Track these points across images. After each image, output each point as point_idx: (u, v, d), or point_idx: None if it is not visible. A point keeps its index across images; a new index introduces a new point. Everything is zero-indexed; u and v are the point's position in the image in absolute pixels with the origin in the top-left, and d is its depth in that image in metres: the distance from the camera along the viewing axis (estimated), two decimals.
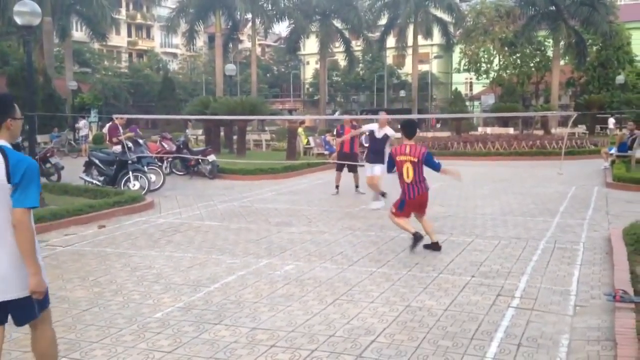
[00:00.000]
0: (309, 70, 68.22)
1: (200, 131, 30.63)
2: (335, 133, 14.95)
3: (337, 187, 13.15)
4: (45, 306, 3.43)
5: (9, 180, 3.12)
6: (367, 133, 11.68)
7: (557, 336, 4.57)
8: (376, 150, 11.13)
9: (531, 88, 50.15)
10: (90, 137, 29.77)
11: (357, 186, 13.06)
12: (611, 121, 35.52)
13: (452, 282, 6.06)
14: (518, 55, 45.77)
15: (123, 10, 63.82)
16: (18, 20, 10.98)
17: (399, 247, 7.77)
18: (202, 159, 16.86)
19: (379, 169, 10.76)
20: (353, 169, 13.03)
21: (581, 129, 34.61)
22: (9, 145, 3.25)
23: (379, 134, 11.13)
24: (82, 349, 4.37)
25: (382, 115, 11.78)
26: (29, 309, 3.30)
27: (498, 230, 8.86)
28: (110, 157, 13.56)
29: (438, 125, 44.32)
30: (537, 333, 4.63)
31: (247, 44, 59.68)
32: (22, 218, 3.14)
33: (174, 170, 17.54)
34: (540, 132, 31.09)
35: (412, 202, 7.50)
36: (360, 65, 61.05)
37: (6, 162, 3.14)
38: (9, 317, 3.34)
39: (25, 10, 10.81)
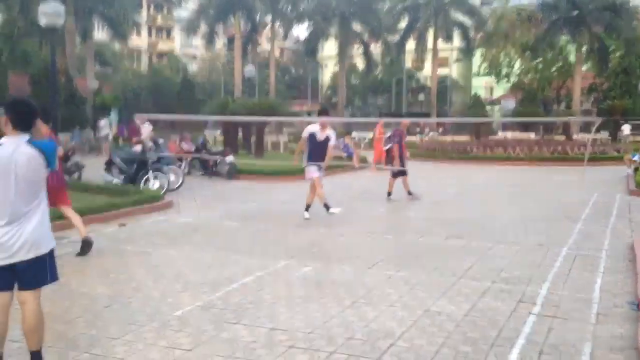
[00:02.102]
0: (327, 72, 68.25)
1: (218, 132, 30.80)
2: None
3: (409, 192, 12.65)
4: (54, 279, 3.96)
5: (48, 165, 3.83)
6: (308, 136, 10.39)
7: (579, 344, 4.51)
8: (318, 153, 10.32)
9: (552, 93, 49.69)
10: (111, 137, 30.07)
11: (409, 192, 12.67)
12: (627, 127, 35.01)
13: (472, 288, 6.01)
14: (539, 60, 45.40)
15: (144, 12, 64.38)
16: (42, 21, 11.16)
17: (418, 250, 7.73)
18: (220, 160, 16.94)
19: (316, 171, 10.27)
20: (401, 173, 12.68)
21: (604, 135, 34.21)
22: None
23: (321, 137, 10.24)
24: (103, 345, 4.40)
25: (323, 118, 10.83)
26: (47, 270, 3.86)
27: (518, 236, 8.77)
28: (131, 157, 13.69)
29: (440, 130, 43.85)
30: (559, 340, 4.57)
31: (265, 46, 59.91)
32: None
33: (192, 170, 17.65)
34: (562, 138, 30.79)
35: None
36: (379, 68, 60.93)
37: (43, 154, 3.78)
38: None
39: (50, 11, 10.99)
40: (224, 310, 5.25)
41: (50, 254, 3.91)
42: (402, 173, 12.72)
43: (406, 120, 15.34)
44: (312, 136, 10.15)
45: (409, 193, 12.68)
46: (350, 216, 10.56)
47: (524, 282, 6.22)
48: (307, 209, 10.22)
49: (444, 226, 9.57)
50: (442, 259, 7.25)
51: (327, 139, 10.17)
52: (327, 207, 10.11)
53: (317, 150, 10.21)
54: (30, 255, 3.75)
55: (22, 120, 3.81)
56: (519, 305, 5.46)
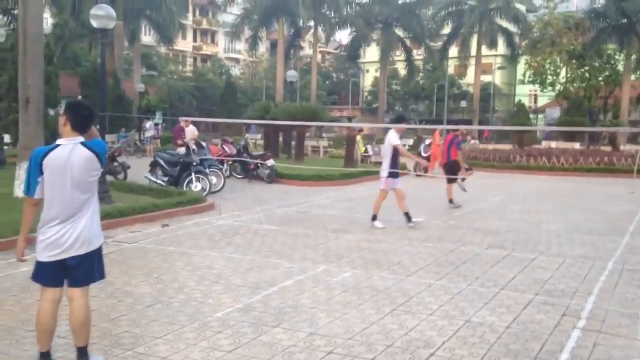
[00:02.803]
0: (369, 78, 68.14)
1: (259, 136, 31.07)
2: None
3: (450, 200, 12.55)
4: (101, 277, 4.12)
5: (101, 166, 3.99)
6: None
7: None
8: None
9: (599, 102, 48.40)
10: (159, 137, 30.71)
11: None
12: None
13: (515, 299, 5.91)
14: (586, 68, 44.25)
15: (190, 16, 65.59)
16: (94, 23, 11.46)
17: (458, 259, 7.64)
18: (261, 163, 17.09)
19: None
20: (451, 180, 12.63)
21: None
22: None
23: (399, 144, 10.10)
24: (146, 344, 4.49)
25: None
26: (95, 267, 4.01)
27: (563, 248, 8.58)
28: (175, 158, 13.94)
29: (480, 141, 42.74)
30: (604, 356, 4.46)
31: (307, 51, 60.23)
32: None
33: (233, 173, 17.86)
34: (608, 149, 29.95)
35: None
36: (421, 74, 60.56)
37: (96, 155, 3.93)
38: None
39: (101, 14, 11.28)
40: (264, 313, 5.30)
41: (99, 251, 4.03)
42: (451, 180, 12.68)
43: (462, 128, 15.34)
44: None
45: (450, 201, 12.59)
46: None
47: (568, 295, 6.08)
48: (409, 219, 10.00)
49: (486, 235, 9.44)
50: (484, 269, 7.15)
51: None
52: (374, 217, 10.10)
53: (397, 158, 10.11)
54: (82, 251, 3.88)
55: (82, 123, 3.94)
56: (563, 318, 5.34)
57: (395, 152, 9.94)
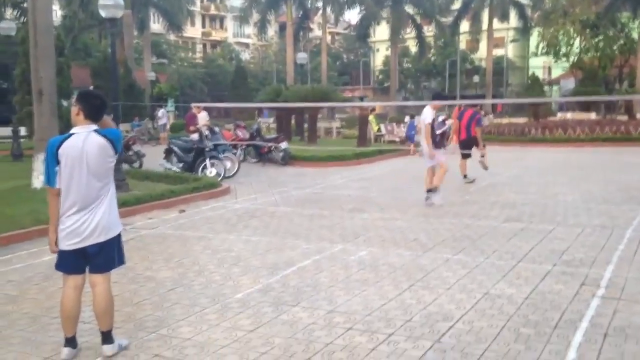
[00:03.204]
0: (379, 57, 67.59)
1: (271, 119, 31.09)
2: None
3: (465, 176, 12.61)
4: (121, 262, 4.18)
5: (116, 152, 4.01)
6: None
7: None
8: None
9: (614, 72, 47.63)
10: (169, 126, 30.83)
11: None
12: None
13: (533, 271, 5.91)
14: (600, 37, 43.49)
15: (198, 2, 65.40)
16: (103, 13, 11.49)
17: (475, 234, 7.64)
18: (274, 147, 17.13)
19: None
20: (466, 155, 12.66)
21: None
22: None
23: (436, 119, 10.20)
24: (169, 326, 4.57)
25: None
26: (115, 253, 4.06)
27: (580, 219, 8.53)
28: (189, 145, 14.02)
29: (490, 118, 41.76)
30: (624, 323, 4.45)
31: (317, 32, 59.90)
32: None
33: (247, 157, 17.93)
34: (624, 118, 29.57)
35: None
36: (432, 51, 59.93)
37: (110, 142, 3.96)
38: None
39: (110, 4, 11.29)
40: (283, 293, 5.35)
41: (118, 238, 4.09)
42: (466, 155, 12.63)
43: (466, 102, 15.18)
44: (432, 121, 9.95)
45: (465, 176, 12.60)
46: (405, 200, 10.51)
47: (586, 265, 6.07)
48: (429, 193, 10.03)
49: (502, 209, 9.42)
50: (501, 242, 7.14)
51: (435, 123, 10.04)
52: (431, 191, 10.01)
53: (436, 134, 10.10)
54: (101, 238, 3.95)
55: (94, 112, 3.98)
56: (582, 288, 5.33)
57: (432, 128, 9.91)
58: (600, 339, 4.18)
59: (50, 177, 3.91)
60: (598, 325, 4.43)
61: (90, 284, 4.04)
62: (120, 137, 4.14)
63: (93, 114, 3.97)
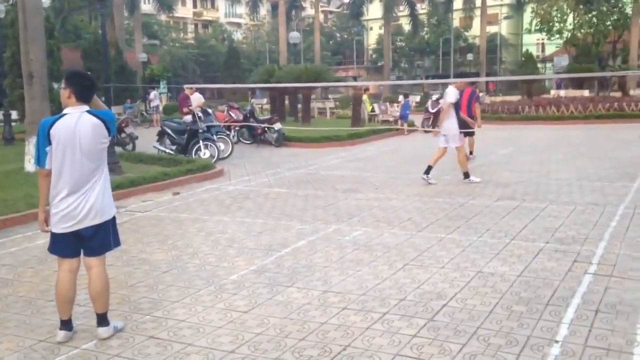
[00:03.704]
0: (372, 36, 67.21)
1: (265, 100, 30.95)
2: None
3: (470, 152, 12.73)
4: (117, 244, 4.18)
5: (109, 134, 3.99)
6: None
7: (637, 303, 4.43)
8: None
9: (608, 48, 47.54)
10: (161, 108, 30.64)
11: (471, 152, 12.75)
12: None
13: (526, 249, 5.95)
14: (594, 13, 43.32)
15: None
16: None
17: (468, 213, 7.67)
18: (268, 128, 17.08)
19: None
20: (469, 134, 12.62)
21: None
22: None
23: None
24: (164, 308, 4.59)
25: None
26: (110, 236, 4.07)
27: (573, 196, 8.58)
28: (182, 127, 13.96)
29: (485, 97, 41.32)
30: (615, 299, 4.50)
31: (309, 11, 59.38)
32: None
33: (241, 139, 17.88)
34: (618, 94, 29.58)
35: None
36: (425, 29, 59.62)
37: (104, 122, 3.95)
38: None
39: None
40: (278, 274, 5.38)
41: (113, 220, 4.09)
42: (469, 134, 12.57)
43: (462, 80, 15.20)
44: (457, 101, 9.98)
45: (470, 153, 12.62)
46: (399, 179, 10.53)
47: (579, 242, 6.12)
48: (467, 176, 10.05)
49: (496, 188, 9.45)
50: (494, 220, 7.18)
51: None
52: (467, 175, 10.05)
53: (458, 114, 10.13)
54: (96, 221, 3.94)
55: (85, 92, 3.95)
56: (574, 265, 5.38)
57: (457, 107, 9.92)
58: (591, 315, 4.22)
59: (40, 157, 3.88)
60: (589, 301, 4.48)
61: (85, 267, 4.04)
62: (114, 118, 4.11)
63: (84, 95, 3.94)
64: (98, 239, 4.00)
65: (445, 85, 14.39)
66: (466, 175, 10.07)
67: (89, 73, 4.18)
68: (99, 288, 4.02)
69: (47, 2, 36.59)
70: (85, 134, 3.86)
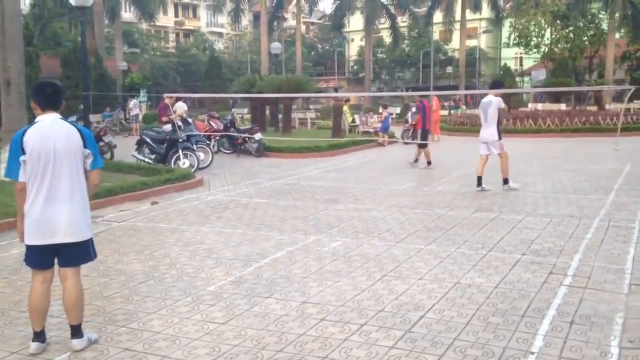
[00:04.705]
0: (354, 47, 67.57)
1: (246, 110, 30.90)
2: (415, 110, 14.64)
3: (429, 162, 13.60)
4: (93, 258, 4.12)
5: (85, 146, 3.92)
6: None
7: (612, 314, 4.49)
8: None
9: (584, 62, 48.40)
10: (141, 117, 30.44)
11: (416, 160, 13.84)
12: None
13: (502, 260, 6.01)
14: (571, 28, 44.10)
15: None
16: (72, 1, 11.33)
17: (447, 224, 7.72)
18: (248, 138, 17.05)
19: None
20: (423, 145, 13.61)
21: (637, 104, 33.31)
22: None
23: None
24: (140, 319, 4.54)
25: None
26: (87, 251, 4.01)
27: (550, 208, 8.69)
28: (161, 136, 13.87)
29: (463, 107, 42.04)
30: (590, 311, 4.56)
31: (291, 22, 59.59)
32: (100, 175, 4.20)
33: (221, 148, 17.82)
34: (594, 108, 30.08)
35: None
36: (406, 41, 60.13)
37: (80, 133, 3.92)
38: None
39: None
40: (256, 285, 5.35)
41: (90, 240, 4.03)
42: (423, 145, 13.63)
43: (433, 93, 16.30)
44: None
45: (429, 163, 13.56)
46: (379, 191, 10.57)
47: (554, 254, 6.19)
48: (507, 182, 10.45)
49: (474, 199, 9.53)
50: (472, 232, 7.24)
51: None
52: (506, 181, 10.47)
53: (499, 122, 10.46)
54: (70, 239, 3.88)
55: (50, 100, 3.92)
56: (549, 276, 5.44)
57: (499, 116, 10.27)
58: (566, 327, 4.27)
59: (12, 169, 3.82)
60: (565, 313, 4.53)
61: (60, 278, 3.99)
62: (91, 135, 4.06)
63: (50, 103, 3.91)
64: (73, 252, 3.95)
65: (411, 98, 14.58)
66: (506, 181, 10.45)
67: (52, 81, 4.13)
68: (73, 299, 3.96)
69: (26, 9, 36.25)
70: (60, 137, 3.82)
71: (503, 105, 10.34)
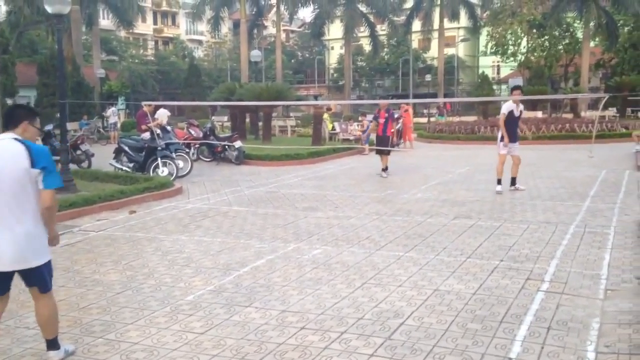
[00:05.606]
0: (334, 55, 67.83)
1: (225, 118, 30.80)
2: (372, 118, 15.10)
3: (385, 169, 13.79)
4: (48, 287, 3.87)
5: (32, 165, 3.65)
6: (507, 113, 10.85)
7: (588, 319, 4.55)
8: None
9: (560, 71, 49.17)
10: (119, 125, 30.16)
11: (384, 169, 13.79)
12: None
13: (481, 267, 6.05)
14: (546, 37, 44.79)
15: None
16: (49, 9, 11.16)
17: (426, 231, 7.77)
18: (228, 145, 16.99)
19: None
20: (384, 152, 13.82)
21: (612, 111, 33.89)
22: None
23: (517, 113, 10.92)
24: (117, 330, 4.48)
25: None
26: (42, 279, 3.80)
27: (527, 215, 8.78)
28: (139, 144, 13.76)
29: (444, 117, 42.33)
30: (567, 316, 4.61)
31: (271, 30, 59.60)
32: (54, 196, 3.80)
33: (200, 156, 17.73)
34: (570, 116, 30.54)
35: None
36: (385, 49, 60.54)
37: (28, 150, 3.67)
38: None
39: None
40: (235, 294, 5.32)
41: (48, 264, 3.85)
42: (383, 152, 13.91)
43: (384, 102, 16.97)
44: (510, 113, 10.77)
45: (385, 169, 13.76)
46: (359, 198, 10.60)
47: (532, 260, 6.26)
48: (513, 183, 11.21)
49: (453, 206, 9.60)
50: (451, 239, 7.28)
51: (521, 114, 11.13)
52: (514, 182, 11.19)
53: (515, 126, 10.99)
54: (20, 266, 3.71)
55: (5, 121, 3.82)
56: (527, 282, 5.50)
57: (511, 120, 10.73)
58: (544, 332, 4.31)
59: None
60: (542, 319, 4.58)
61: (32, 296, 3.88)
62: (42, 151, 3.77)
63: (5, 123, 3.81)
64: (30, 277, 3.78)
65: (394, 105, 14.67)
66: (513, 181, 11.14)
67: (20, 104, 4.06)
68: (45, 318, 3.87)
69: (2, 16, 35.79)
70: (5, 162, 3.64)
71: (502, 110, 10.90)
